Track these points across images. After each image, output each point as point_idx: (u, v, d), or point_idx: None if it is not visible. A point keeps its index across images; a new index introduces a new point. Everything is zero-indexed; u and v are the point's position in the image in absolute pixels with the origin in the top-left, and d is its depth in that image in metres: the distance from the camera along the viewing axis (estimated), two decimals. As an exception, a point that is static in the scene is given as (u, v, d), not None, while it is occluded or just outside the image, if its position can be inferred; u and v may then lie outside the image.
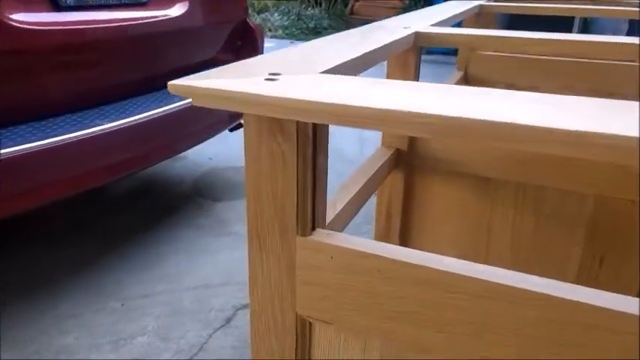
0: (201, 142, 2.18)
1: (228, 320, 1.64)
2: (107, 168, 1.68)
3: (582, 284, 0.79)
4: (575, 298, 0.39)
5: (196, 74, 0.46)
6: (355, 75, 0.60)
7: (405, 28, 0.83)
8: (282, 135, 0.43)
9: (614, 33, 6.61)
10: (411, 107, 0.37)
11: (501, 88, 1.44)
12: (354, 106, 0.37)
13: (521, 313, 0.40)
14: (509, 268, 0.80)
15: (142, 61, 1.85)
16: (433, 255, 0.43)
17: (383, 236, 0.93)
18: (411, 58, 0.82)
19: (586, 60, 1.45)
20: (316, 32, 8.52)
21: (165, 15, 1.87)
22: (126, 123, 1.65)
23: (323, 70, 0.50)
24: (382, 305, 0.45)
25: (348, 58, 0.56)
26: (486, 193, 0.87)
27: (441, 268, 0.42)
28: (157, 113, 1.77)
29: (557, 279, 0.64)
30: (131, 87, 1.85)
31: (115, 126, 1.63)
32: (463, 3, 1.43)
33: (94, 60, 1.66)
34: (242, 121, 1.90)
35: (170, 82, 0.42)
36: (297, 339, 0.50)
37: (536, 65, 1.51)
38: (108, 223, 2.23)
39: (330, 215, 0.62)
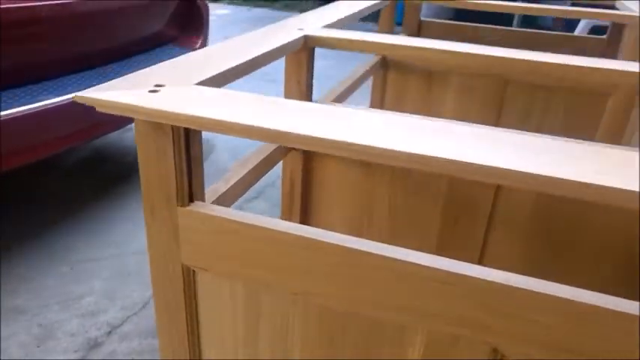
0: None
1: (170, 280, 1.81)
2: (53, 140, 1.79)
3: (441, 247, 1.00)
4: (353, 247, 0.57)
5: (100, 85, 0.60)
6: (246, 74, 0.76)
7: (299, 29, 0.99)
8: (162, 132, 0.59)
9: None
10: (245, 121, 0.53)
11: (417, 76, 1.62)
12: (204, 118, 0.53)
13: (325, 260, 0.59)
14: (387, 238, 1.02)
15: (87, 37, 1.93)
16: (269, 219, 0.61)
17: (287, 213, 1.11)
18: (304, 58, 0.98)
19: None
20: (274, -1, 8.48)
21: (108, -8, 1.95)
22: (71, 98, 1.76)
23: (204, 78, 0.66)
24: (240, 255, 0.62)
25: (230, 66, 0.72)
26: (368, 175, 1.05)
27: (272, 228, 0.59)
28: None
29: (423, 242, 0.87)
30: (81, 61, 1.93)
31: (60, 101, 1.73)
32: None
33: (40, 36, 1.74)
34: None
35: (75, 95, 0.57)
36: (184, 282, 0.67)
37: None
38: (60, 191, 2.34)
39: (221, 189, 0.78)
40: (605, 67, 0.88)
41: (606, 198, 0.45)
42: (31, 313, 1.63)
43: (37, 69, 1.82)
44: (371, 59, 1.69)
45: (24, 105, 1.65)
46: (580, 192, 0.45)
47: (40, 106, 1.68)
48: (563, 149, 0.52)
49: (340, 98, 1.13)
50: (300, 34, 0.95)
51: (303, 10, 7.62)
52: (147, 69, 0.68)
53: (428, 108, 1.65)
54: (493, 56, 0.93)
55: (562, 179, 0.45)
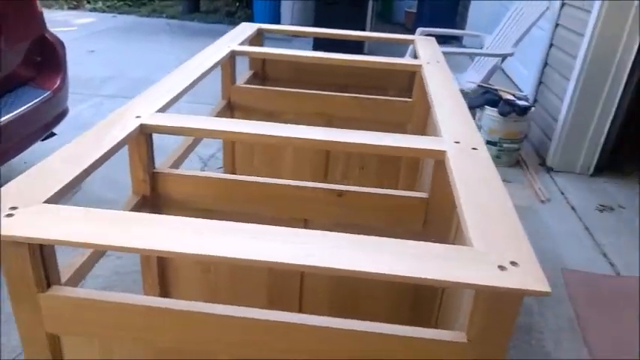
0: (20, 153, 2.36)
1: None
2: None
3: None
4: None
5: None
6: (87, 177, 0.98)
7: (137, 117, 1.22)
8: (20, 246, 0.81)
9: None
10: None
11: (260, 116, 1.94)
12: (49, 239, 0.77)
13: (134, 316, 0.85)
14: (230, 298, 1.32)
15: None
16: (106, 293, 0.85)
17: (146, 268, 1.37)
18: (142, 141, 1.22)
19: (320, 92, 1.98)
20: (141, 4, 8.30)
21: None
22: None
23: (50, 195, 0.88)
24: (89, 320, 0.86)
25: (74, 176, 0.94)
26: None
27: (104, 300, 0.84)
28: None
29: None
30: None
31: None
32: (215, 50, 1.84)
33: None
34: (53, 131, 2.16)
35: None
36: (49, 344, 0.89)
37: (287, 96, 1.99)
38: None
39: (67, 274, 1.01)
40: (398, 145, 1.17)
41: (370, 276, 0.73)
42: None
43: None
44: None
45: None
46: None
47: None
48: (339, 242, 0.80)
49: (177, 164, 1.38)
50: (137, 123, 1.18)
51: (169, 16, 7.59)
52: (3, 189, 0.88)
53: (271, 170, 1.97)
54: (316, 139, 1.20)
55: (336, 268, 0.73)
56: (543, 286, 0.71)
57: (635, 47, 3.07)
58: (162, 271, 1.40)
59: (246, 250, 0.77)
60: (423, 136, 1.21)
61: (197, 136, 1.23)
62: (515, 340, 2.12)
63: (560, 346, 2.09)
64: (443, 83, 1.58)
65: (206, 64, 1.65)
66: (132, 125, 1.17)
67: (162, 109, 1.30)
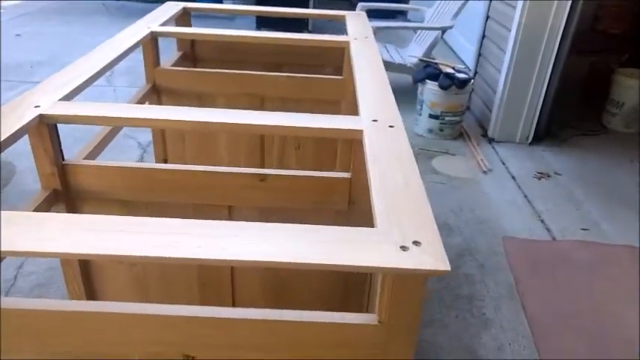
0: None
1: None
2: None
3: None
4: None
5: None
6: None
7: (36, 107, 1.14)
8: None
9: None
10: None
11: (190, 98, 1.85)
12: None
13: (50, 320, 0.80)
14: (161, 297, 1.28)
15: None
16: (24, 299, 0.79)
17: (67, 268, 1.30)
18: (45, 132, 1.14)
19: (251, 72, 1.92)
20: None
21: None
22: None
23: None
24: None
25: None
26: (128, 211, 1.26)
27: (14, 307, 0.78)
28: None
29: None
30: None
31: None
32: (134, 31, 1.75)
33: None
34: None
35: None
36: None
37: (216, 77, 1.92)
38: None
39: None
40: (331, 126, 1.13)
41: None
42: None
43: None
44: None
45: None
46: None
47: None
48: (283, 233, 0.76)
49: (93, 154, 1.31)
50: (35, 113, 1.10)
51: (108, -3, 7.20)
52: None
53: (206, 156, 1.90)
54: (251, 124, 1.15)
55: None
56: (443, 265, 0.71)
57: (564, 19, 3.14)
58: (85, 269, 1.34)
59: (165, 249, 0.72)
60: (341, 116, 1.19)
61: (108, 124, 1.16)
62: (459, 309, 2.17)
63: (500, 312, 2.15)
64: (368, 59, 1.55)
65: (120, 48, 1.56)
66: (29, 116, 1.09)
67: (68, 97, 1.22)
